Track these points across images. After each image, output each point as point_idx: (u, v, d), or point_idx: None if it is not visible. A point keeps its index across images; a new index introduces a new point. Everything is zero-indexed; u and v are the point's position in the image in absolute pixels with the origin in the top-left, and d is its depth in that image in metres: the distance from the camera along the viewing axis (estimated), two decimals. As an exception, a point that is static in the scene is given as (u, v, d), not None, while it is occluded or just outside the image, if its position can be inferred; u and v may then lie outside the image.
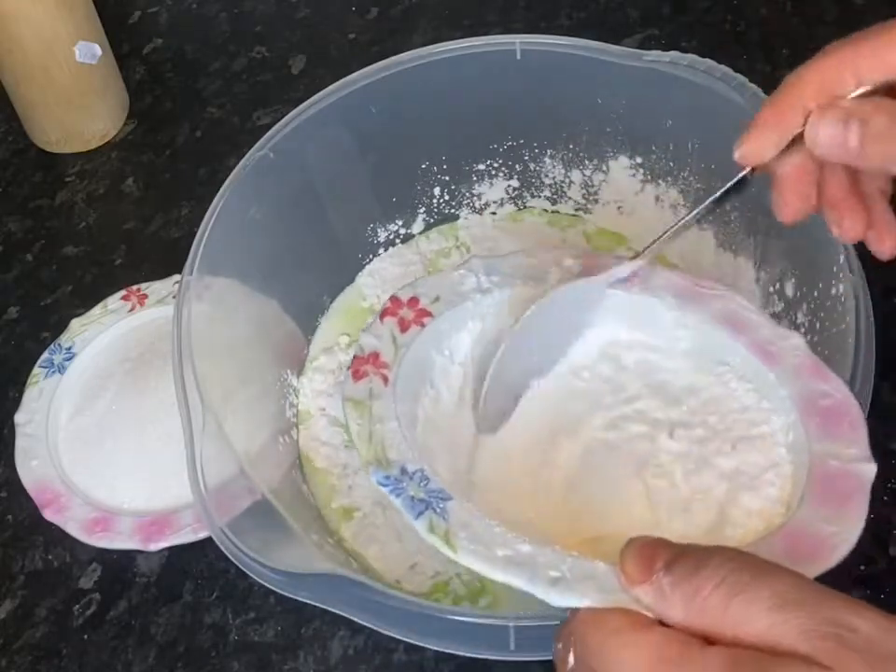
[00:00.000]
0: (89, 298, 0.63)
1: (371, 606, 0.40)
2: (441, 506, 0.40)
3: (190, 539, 0.52)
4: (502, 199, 0.64)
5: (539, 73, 0.57)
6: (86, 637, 0.51)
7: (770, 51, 0.71)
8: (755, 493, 0.42)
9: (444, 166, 0.62)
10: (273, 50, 0.78)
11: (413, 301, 0.48)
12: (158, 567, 0.53)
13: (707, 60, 0.54)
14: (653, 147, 0.59)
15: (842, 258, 0.45)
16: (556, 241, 0.62)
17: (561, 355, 0.48)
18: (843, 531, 0.38)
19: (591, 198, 0.63)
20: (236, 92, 0.75)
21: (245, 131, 0.72)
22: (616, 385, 0.47)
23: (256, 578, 0.41)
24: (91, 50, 0.69)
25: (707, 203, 0.44)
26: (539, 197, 0.64)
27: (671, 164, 0.58)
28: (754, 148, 0.40)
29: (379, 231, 0.62)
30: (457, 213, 0.64)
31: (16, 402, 0.58)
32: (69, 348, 0.60)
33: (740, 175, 0.42)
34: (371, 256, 0.63)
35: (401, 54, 0.57)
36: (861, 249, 0.42)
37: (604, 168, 0.61)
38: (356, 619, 0.40)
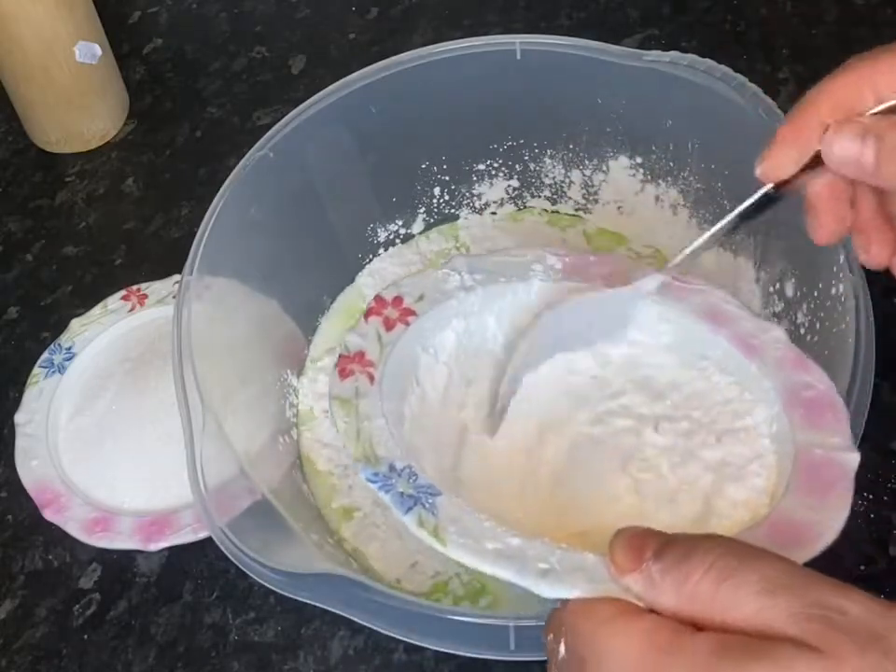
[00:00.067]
0: (89, 298, 0.63)
1: (371, 606, 0.40)
2: (430, 501, 0.40)
3: (190, 539, 0.52)
4: (502, 199, 0.64)
5: (539, 73, 0.57)
6: (86, 637, 0.51)
7: (770, 51, 0.71)
8: (740, 483, 0.42)
9: (444, 166, 0.62)
10: (273, 50, 0.78)
11: (398, 300, 0.48)
12: (158, 567, 0.53)
13: (707, 60, 0.54)
14: (653, 147, 0.59)
15: (842, 258, 0.45)
16: (556, 241, 0.62)
17: (553, 351, 0.49)
18: (827, 519, 0.38)
19: (591, 198, 0.63)
20: (236, 92, 0.75)
21: (245, 131, 0.72)
22: (601, 381, 0.48)
23: (256, 578, 0.41)
24: (90, 50, 0.69)
25: (732, 216, 0.44)
26: (539, 197, 0.64)
27: (671, 164, 0.58)
28: (774, 165, 0.40)
29: (379, 230, 0.62)
30: (457, 213, 0.64)
31: (16, 402, 0.58)
32: (69, 348, 0.60)
33: (762, 190, 0.41)
34: (371, 256, 0.63)
35: (401, 54, 0.57)
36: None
37: (604, 168, 0.61)
38: (356, 619, 0.40)
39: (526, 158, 0.62)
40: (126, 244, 0.68)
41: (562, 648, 0.32)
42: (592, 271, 0.50)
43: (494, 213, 0.64)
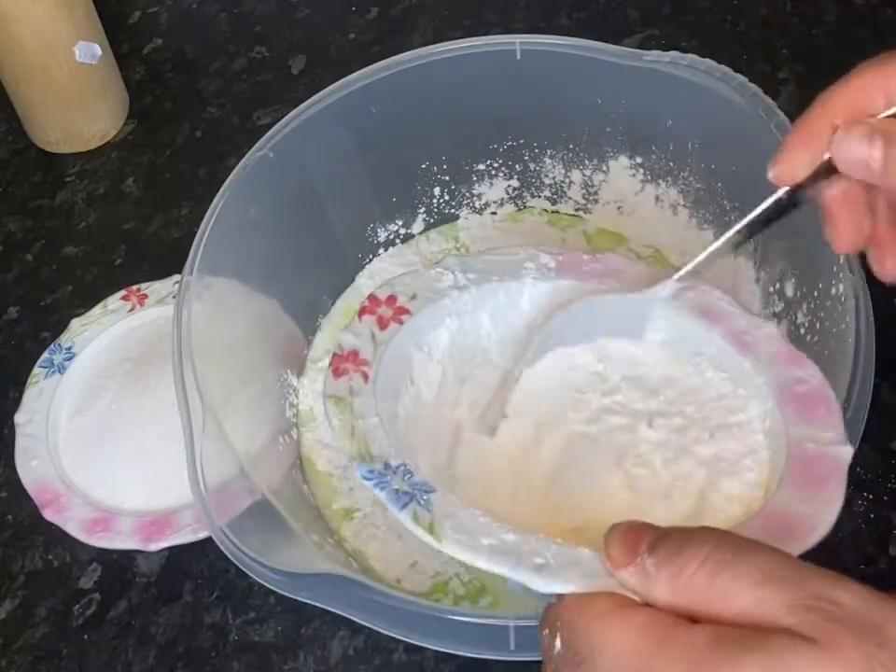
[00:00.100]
0: (89, 298, 0.63)
1: (371, 606, 0.40)
2: (425, 498, 0.40)
3: (190, 539, 0.52)
4: (502, 199, 0.64)
5: (539, 73, 0.57)
6: (86, 637, 0.51)
7: (770, 51, 0.71)
8: (734, 478, 0.43)
9: (444, 166, 0.62)
10: (273, 50, 0.78)
11: (391, 299, 0.48)
12: (158, 567, 0.53)
13: (707, 60, 0.54)
14: (653, 147, 0.59)
15: (842, 258, 0.45)
16: (556, 241, 0.62)
17: (555, 346, 0.49)
18: (821, 512, 0.38)
19: (591, 198, 0.63)
20: (236, 92, 0.75)
21: (245, 131, 0.72)
22: (599, 377, 0.48)
23: (256, 578, 0.41)
24: (90, 50, 0.69)
25: (745, 221, 0.43)
26: (539, 197, 0.64)
27: (671, 164, 0.58)
28: (786, 168, 0.40)
29: (379, 230, 0.62)
30: (457, 213, 0.64)
31: (16, 402, 0.58)
32: (69, 348, 0.60)
33: (776, 195, 0.41)
34: (371, 256, 0.63)
35: (401, 54, 0.57)
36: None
37: (604, 168, 0.61)
38: (356, 619, 0.40)
39: (526, 158, 0.62)
40: (126, 244, 0.68)
41: (557, 642, 0.32)
42: (584, 269, 0.50)
43: (494, 213, 0.64)
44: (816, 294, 0.48)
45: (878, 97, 0.38)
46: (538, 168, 0.63)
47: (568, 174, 0.62)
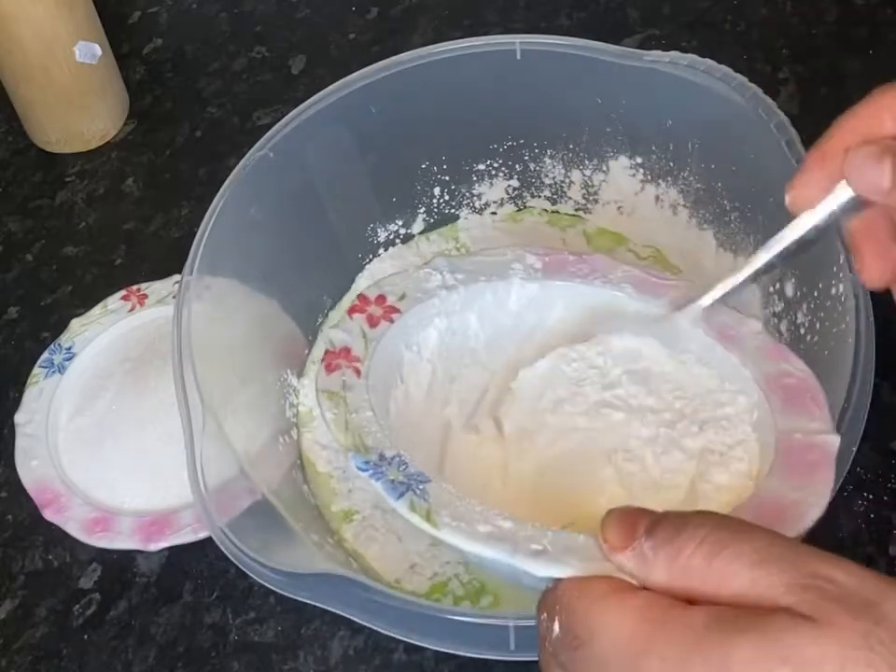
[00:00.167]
0: (89, 298, 0.63)
1: (371, 606, 0.40)
2: (421, 487, 0.40)
3: (190, 539, 0.52)
4: (502, 199, 0.64)
5: (539, 73, 0.57)
6: (86, 637, 0.51)
7: (770, 51, 0.71)
8: (724, 468, 0.43)
9: (444, 166, 0.62)
10: (273, 50, 0.78)
11: (381, 298, 0.49)
12: (158, 567, 0.53)
13: (707, 60, 0.54)
14: (653, 147, 0.59)
15: (842, 258, 0.45)
16: (556, 241, 0.62)
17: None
18: (811, 497, 0.39)
19: (591, 198, 0.63)
20: (236, 92, 0.75)
21: (245, 131, 0.72)
22: (595, 373, 0.48)
23: (256, 578, 0.41)
24: (90, 50, 0.69)
25: (775, 252, 0.43)
26: (539, 197, 0.64)
27: (671, 164, 0.58)
28: (801, 194, 0.40)
29: (379, 231, 0.62)
30: (457, 213, 0.64)
31: (16, 402, 0.58)
32: (69, 348, 0.60)
33: (807, 226, 0.41)
34: (371, 256, 0.63)
35: (401, 54, 0.57)
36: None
37: (604, 168, 0.61)
38: (356, 619, 0.40)
39: (526, 158, 0.62)
40: (126, 244, 0.68)
41: (556, 626, 0.32)
42: (570, 270, 0.50)
43: (494, 213, 0.64)
44: (816, 294, 0.48)
45: (888, 120, 0.38)
46: (538, 168, 0.62)
47: (568, 174, 0.62)
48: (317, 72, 0.75)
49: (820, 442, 0.41)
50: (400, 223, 0.63)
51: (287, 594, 0.41)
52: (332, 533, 0.51)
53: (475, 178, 0.63)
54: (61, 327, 0.62)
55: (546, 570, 0.35)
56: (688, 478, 0.44)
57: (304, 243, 0.58)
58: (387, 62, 0.57)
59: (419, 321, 0.49)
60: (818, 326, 0.48)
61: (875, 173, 0.37)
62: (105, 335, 0.61)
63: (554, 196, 0.63)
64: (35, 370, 0.60)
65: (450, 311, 0.50)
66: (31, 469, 0.55)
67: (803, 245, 0.42)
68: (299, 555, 0.44)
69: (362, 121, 0.57)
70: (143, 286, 0.63)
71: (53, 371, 0.59)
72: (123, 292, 0.63)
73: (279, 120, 0.55)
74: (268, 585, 0.41)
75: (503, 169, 0.63)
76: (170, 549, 0.53)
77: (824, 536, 0.38)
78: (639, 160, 0.60)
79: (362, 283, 0.61)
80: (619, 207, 0.62)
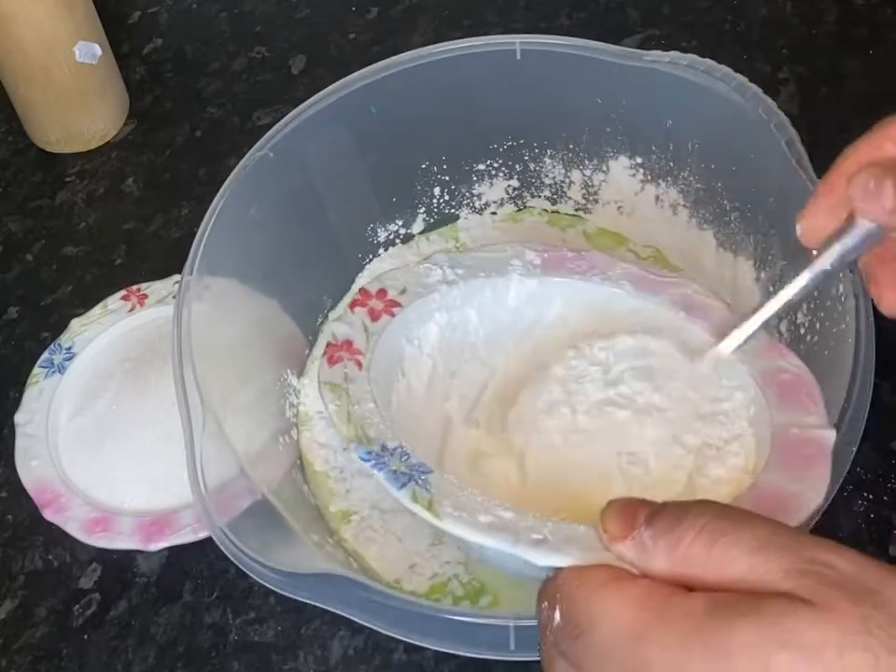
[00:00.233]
0: (89, 298, 0.63)
1: (371, 606, 0.40)
2: (423, 478, 0.41)
3: (190, 539, 0.52)
4: (502, 199, 0.64)
5: (539, 73, 0.57)
6: (86, 637, 0.51)
7: (770, 51, 0.71)
8: (720, 463, 0.43)
9: (444, 166, 0.62)
10: (273, 50, 0.78)
11: (382, 292, 0.49)
12: (158, 567, 0.53)
13: (707, 60, 0.54)
14: (653, 147, 0.59)
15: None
16: (556, 241, 0.62)
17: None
18: (808, 490, 0.39)
19: (591, 198, 0.63)
20: (236, 92, 0.75)
21: (245, 131, 0.72)
22: (585, 375, 0.48)
23: (256, 578, 0.41)
24: (90, 50, 0.69)
25: (794, 290, 0.42)
26: (539, 197, 0.64)
27: (671, 164, 0.58)
28: (810, 224, 0.40)
29: (379, 230, 0.62)
30: (457, 213, 0.64)
31: (16, 402, 0.58)
32: (69, 348, 0.60)
33: (826, 261, 0.40)
34: (371, 256, 0.63)
35: (401, 54, 0.57)
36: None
37: (604, 168, 0.61)
38: (356, 619, 0.40)
39: (526, 158, 0.62)
40: (126, 244, 0.68)
41: (556, 615, 0.32)
42: (569, 266, 0.51)
43: (494, 213, 0.64)
44: (816, 294, 0.48)
45: (889, 147, 0.38)
46: (538, 168, 0.62)
47: (568, 174, 0.62)
48: (317, 72, 0.75)
49: (816, 437, 0.41)
50: (400, 223, 0.63)
51: (286, 594, 0.41)
52: (332, 533, 0.51)
53: (475, 178, 0.63)
54: (61, 327, 0.62)
55: (547, 560, 0.35)
56: (686, 472, 0.44)
57: (304, 243, 0.58)
58: (387, 62, 0.57)
59: (420, 315, 0.50)
60: (818, 326, 0.48)
61: (878, 193, 0.37)
62: (105, 335, 0.61)
63: (554, 196, 0.63)
64: (35, 370, 0.60)
65: (450, 306, 0.50)
66: (31, 469, 0.55)
67: (821, 281, 0.41)
68: (299, 555, 0.44)
69: (362, 121, 0.57)
70: (143, 286, 0.63)
71: (53, 371, 0.59)
72: (123, 292, 0.63)
73: (279, 120, 0.55)
74: (268, 585, 0.41)
75: (503, 169, 0.63)
76: (170, 549, 0.53)
77: (824, 535, 0.38)
78: (639, 160, 0.60)
79: (362, 283, 0.61)
80: (619, 207, 0.62)
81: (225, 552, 0.42)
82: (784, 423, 0.43)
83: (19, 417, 0.57)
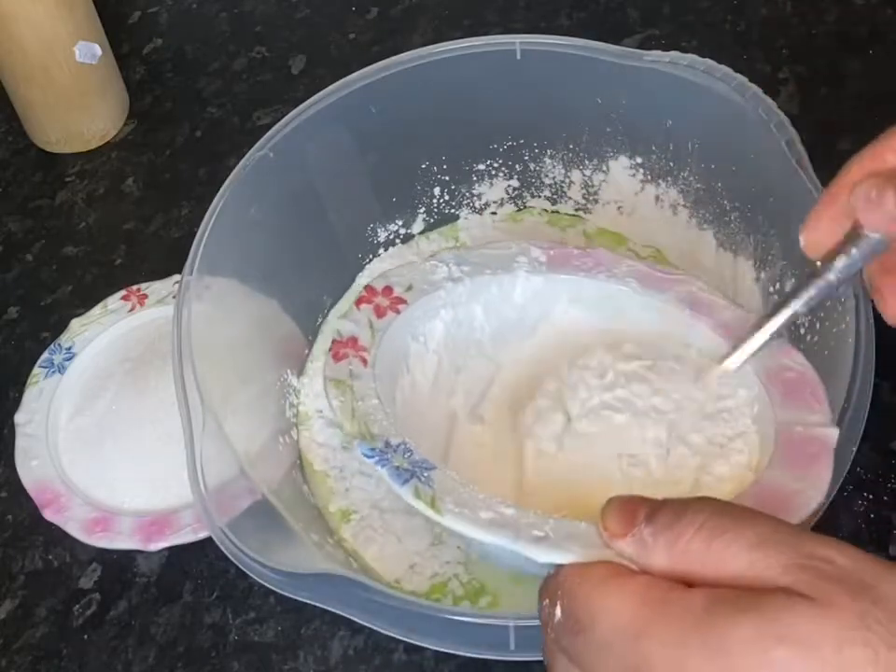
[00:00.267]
0: (89, 298, 0.63)
1: (371, 606, 0.40)
2: (426, 475, 0.41)
3: (190, 539, 0.52)
4: (502, 199, 0.64)
5: (539, 73, 0.57)
6: (86, 637, 0.51)
7: (770, 51, 0.71)
8: (725, 460, 0.44)
9: (444, 166, 0.62)
10: (273, 50, 0.78)
11: (387, 289, 0.49)
12: (158, 567, 0.53)
13: (707, 60, 0.54)
14: (653, 147, 0.59)
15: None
16: (556, 241, 0.62)
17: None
18: (811, 488, 0.39)
19: (591, 198, 0.63)
20: (236, 92, 0.75)
21: (245, 131, 0.72)
22: (587, 373, 0.48)
23: (256, 578, 0.41)
24: (90, 50, 0.69)
25: (798, 303, 0.42)
26: (539, 197, 0.64)
27: (671, 164, 0.58)
28: (814, 235, 0.40)
29: (379, 230, 0.62)
30: (457, 213, 0.64)
31: (16, 402, 0.58)
32: (69, 348, 0.60)
33: (828, 276, 0.40)
34: (371, 256, 0.63)
35: (401, 54, 0.57)
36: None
37: (604, 168, 0.61)
38: (356, 619, 0.40)
39: (526, 158, 0.62)
40: (126, 244, 0.68)
41: (557, 611, 0.32)
42: (574, 263, 0.51)
43: (494, 213, 0.64)
44: (816, 294, 0.48)
45: (890, 157, 0.38)
46: (538, 168, 0.62)
47: (568, 174, 0.62)
48: (317, 72, 0.75)
49: (820, 435, 0.41)
50: (400, 223, 0.63)
51: (287, 594, 0.41)
52: (332, 533, 0.51)
53: (475, 178, 0.63)
54: (61, 327, 0.62)
55: (548, 556, 0.35)
56: (690, 470, 0.44)
57: (304, 243, 0.58)
58: (387, 62, 0.57)
59: (425, 312, 0.50)
60: (818, 326, 0.48)
61: (879, 202, 0.37)
62: (105, 335, 0.61)
63: (554, 196, 0.63)
64: (35, 370, 0.60)
65: (456, 303, 0.50)
66: (31, 468, 0.55)
67: (827, 294, 0.41)
68: (299, 555, 0.44)
69: (362, 121, 0.57)
70: (143, 286, 0.63)
71: (53, 371, 0.59)
72: (123, 292, 0.63)
73: (279, 120, 0.55)
74: (268, 585, 0.41)
75: (503, 169, 0.63)
76: (170, 549, 0.53)
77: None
78: (639, 160, 0.60)
79: (362, 282, 0.61)
80: (619, 207, 0.62)
81: (225, 552, 0.42)
82: (788, 421, 0.43)
83: (19, 417, 0.57)
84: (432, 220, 0.64)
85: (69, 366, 0.59)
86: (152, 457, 0.55)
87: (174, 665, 0.50)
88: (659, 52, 0.55)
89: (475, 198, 0.64)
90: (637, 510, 0.32)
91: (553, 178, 0.63)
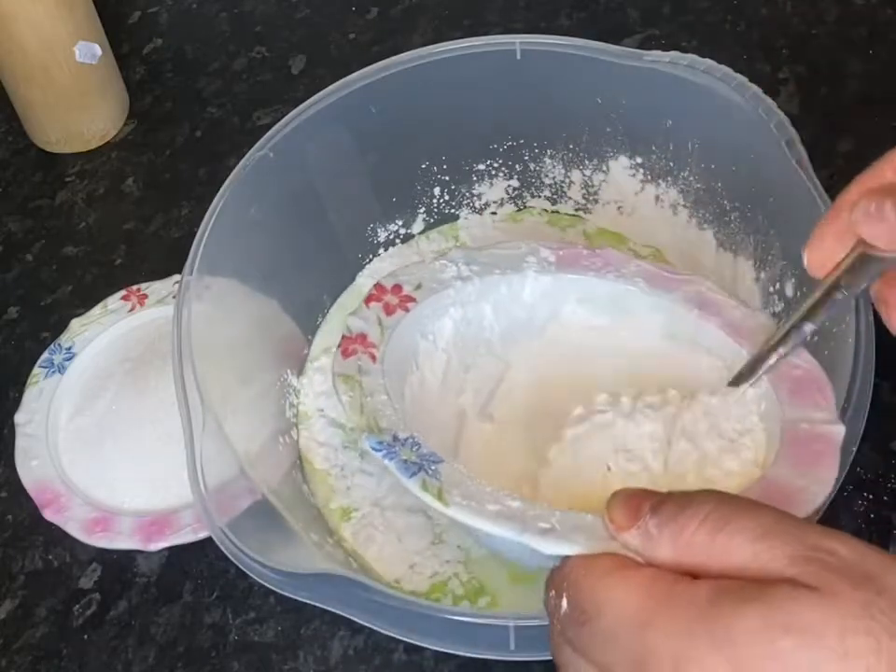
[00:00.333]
0: (89, 298, 0.63)
1: (371, 606, 0.40)
2: (434, 468, 0.41)
3: (190, 539, 0.52)
4: (502, 199, 0.64)
5: (539, 73, 0.57)
6: (86, 637, 0.51)
7: (770, 51, 0.71)
8: (732, 456, 0.44)
9: (444, 166, 0.62)
10: (273, 50, 0.78)
11: (397, 287, 0.49)
12: (158, 567, 0.53)
13: (707, 60, 0.54)
14: (653, 147, 0.59)
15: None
16: (557, 241, 0.62)
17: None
18: (815, 484, 0.40)
19: (591, 198, 0.63)
20: (236, 92, 0.75)
21: (245, 131, 0.72)
22: (593, 372, 0.49)
23: (256, 578, 0.41)
24: (90, 50, 0.69)
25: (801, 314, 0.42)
26: (539, 197, 0.64)
27: (671, 164, 0.58)
28: (818, 254, 0.41)
29: (379, 230, 0.62)
30: (457, 213, 0.64)
31: (16, 402, 0.58)
32: (69, 348, 0.60)
33: (835, 294, 0.40)
34: (371, 256, 0.63)
35: (401, 54, 0.57)
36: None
37: (604, 168, 0.61)
38: (356, 619, 0.40)
39: (526, 158, 0.62)
40: (126, 244, 0.68)
41: (563, 602, 0.33)
42: (584, 263, 0.51)
43: (494, 213, 0.64)
44: (816, 294, 0.48)
45: (890, 174, 0.39)
46: (538, 168, 0.62)
47: (568, 174, 0.62)
48: (317, 72, 0.75)
49: (826, 432, 0.42)
50: (400, 223, 0.63)
51: (287, 594, 0.41)
52: (332, 533, 0.51)
53: (475, 178, 0.63)
54: (61, 327, 0.62)
55: (554, 548, 0.36)
56: (696, 466, 0.44)
57: (304, 243, 0.58)
58: (387, 62, 0.57)
59: (434, 311, 0.50)
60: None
61: (878, 215, 0.37)
62: (105, 335, 0.61)
63: (554, 196, 0.63)
64: (35, 370, 0.60)
65: (465, 301, 0.50)
66: (31, 468, 0.55)
67: (834, 312, 0.41)
68: (299, 555, 0.44)
69: (362, 121, 0.57)
70: (143, 286, 0.63)
71: (53, 371, 0.59)
72: (123, 292, 0.63)
73: (279, 120, 0.55)
74: (268, 585, 0.41)
75: (503, 169, 0.63)
76: (170, 549, 0.53)
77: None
78: (639, 160, 0.60)
79: (362, 282, 0.62)
80: (619, 207, 0.62)
81: (225, 552, 0.42)
82: (794, 418, 0.43)
83: (19, 417, 0.57)
84: (432, 220, 0.64)
85: (69, 366, 0.59)
86: (152, 457, 0.55)
87: (174, 665, 0.50)
88: (659, 52, 0.55)
89: (475, 198, 0.64)
90: (643, 502, 0.33)
91: (553, 178, 0.63)
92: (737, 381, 0.45)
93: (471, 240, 0.63)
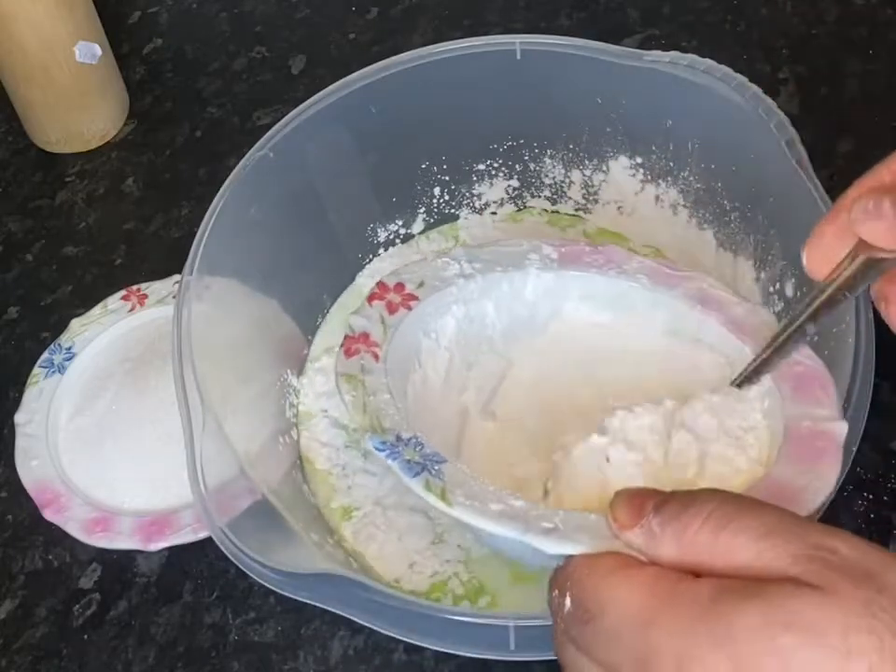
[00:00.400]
0: (89, 298, 0.63)
1: (371, 606, 0.40)
2: (437, 468, 0.41)
3: (190, 539, 0.52)
4: (502, 199, 0.64)
5: (539, 73, 0.57)
6: (86, 637, 0.51)
7: (770, 51, 0.71)
8: (735, 453, 0.44)
9: (444, 166, 0.62)
10: (273, 50, 0.78)
11: (399, 286, 0.50)
12: (158, 567, 0.53)
13: (707, 60, 0.54)
14: (653, 147, 0.59)
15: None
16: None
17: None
18: (818, 481, 0.40)
19: (591, 198, 0.63)
20: (236, 92, 0.75)
21: (245, 131, 0.72)
22: (596, 369, 0.49)
23: (256, 578, 0.41)
24: (90, 50, 0.69)
25: (802, 319, 0.42)
26: (539, 197, 0.64)
27: (671, 164, 0.58)
28: (817, 253, 0.41)
29: (379, 230, 0.62)
30: (457, 213, 0.64)
31: (16, 402, 0.58)
32: (69, 348, 0.60)
33: (833, 294, 0.40)
34: (371, 256, 0.63)
35: (401, 54, 0.57)
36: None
37: (604, 168, 0.61)
38: (356, 619, 0.40)
39: (526, 158, 0.62)
40: (126, 244, 0.68)
41: (567, 601, 0.33)
42: (586, 260, 0.51)
43: (494, 213, 0.64)
44: (816, 294, 0.48)
45: (887, 176, 0.39)
46: (538, 168, 0.62)
47: (568, 174, 0.62)
48: (317, 72, 0.75)
49: (828, 430, 0.42)
50: (400, 223, 0.63)
51: (287, 594, 0.41)
52: (332, 533, 0.51)
53: (475, 178, 0.63)
54: (61, 327, 0.62)
55: (557, 548, 0.36)
56: (698, 462, 0.44)
57: (304, 243, 0.58)
58: (387, 62, 0.57)
59: (437, 309, 0.50)
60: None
61: (876, 213, 0.37)
62: (105, 335, 0.61)
63: (554, 196, 0.63)
64: (35, 370, 0.60)
65: (467, 299, 0.50)
66: (31, 468, 0.55)
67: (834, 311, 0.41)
68: (299, 555, 0.44)
69: (362, 121, 0.57)
70: (143, 286, 0.63)
71: (53, 371, 0.59)
72: (123, 292, 0.63)
73: (279, 120, 0.55)
74: (268, 585, 0.41)
75: (503, 169, 0.63)
76: (170, 549, 0.53)
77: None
78: (639, 160, 0.60)
79: (362, 282, 0.62)
80: (619, 207, 0.62)
81: (225, 552, 0.42)
82: (797, 415, 0.43)
83: (19, 417, 0.57)
84: (432, 220, 0.64)
85: (69, 366, 0.59)
86: (152, 457, 0.55)
87: (174, 665, 0.50)
88: (659, 52, 0.55)
89: (475, 198, 0.64)
90: (646, 501, 0.33)
91: (553, 178, 0.63)
92: (741, 384, 0.45)
93: (471, 240, 0.63)
